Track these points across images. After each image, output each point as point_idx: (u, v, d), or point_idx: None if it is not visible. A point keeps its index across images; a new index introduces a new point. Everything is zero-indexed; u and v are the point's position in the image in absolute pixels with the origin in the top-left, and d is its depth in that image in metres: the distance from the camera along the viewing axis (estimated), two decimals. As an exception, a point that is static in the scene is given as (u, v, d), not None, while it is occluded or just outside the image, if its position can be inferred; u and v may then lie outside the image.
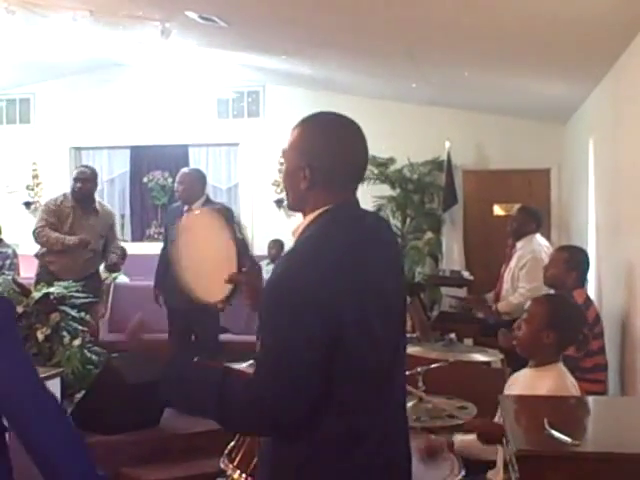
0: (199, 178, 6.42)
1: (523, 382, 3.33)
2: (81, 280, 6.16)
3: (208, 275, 2.39)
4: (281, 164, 10.03)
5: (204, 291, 2.42)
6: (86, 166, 7.01)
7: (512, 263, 6.28)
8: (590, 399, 3.44)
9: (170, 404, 2.13)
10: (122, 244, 7.45)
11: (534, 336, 3.29)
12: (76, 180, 6.68)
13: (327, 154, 2.09)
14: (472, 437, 3.29)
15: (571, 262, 5.00)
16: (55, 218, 6.59)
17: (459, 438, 3.46)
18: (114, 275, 8.39)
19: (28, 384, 1.99)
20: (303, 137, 2.13)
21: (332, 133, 2.13)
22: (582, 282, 5.09)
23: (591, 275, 6.87)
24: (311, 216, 2.11)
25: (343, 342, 1.95)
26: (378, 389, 2.07)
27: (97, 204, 6.79)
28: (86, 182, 6.65)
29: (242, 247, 2.34)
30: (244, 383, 2.00)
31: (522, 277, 6.07)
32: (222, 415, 2.01)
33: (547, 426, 2.25)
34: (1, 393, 1.94)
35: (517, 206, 7.04)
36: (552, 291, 4.95)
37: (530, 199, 8.77)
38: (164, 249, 6.44)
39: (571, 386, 3.20)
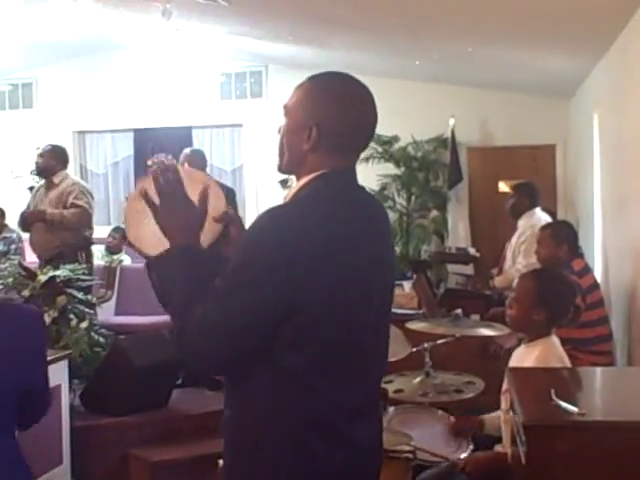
0: (201, 158, 6.63)
1: (516, 357, 3.35)
2: (56, 257, 6.15)
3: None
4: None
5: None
6: (50, 144, 6.99)
7: (513, 239, 6.28)
8: (596, 370, 3.44)
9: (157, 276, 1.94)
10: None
11: (524, 314, 3.28)
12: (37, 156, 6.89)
13: (337, 115, 1.96)
14: (497, 413, 3.33)
15: (557, 237, 5.00)
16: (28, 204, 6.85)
17: (487, 417, 3.49)
18: (116, 258, 8.41)
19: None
20: (312, 95, 2.00)
21: (344, 94, 1.99)
22: (576, 252, 5.09)
23: (597, 249, 6.88)
24: (305, 179, 1.97)
25: (304, 311, 1.82)
26: (345, 368, 1.92)
27: (58, 178, 6.71)
28: (40, 157, 6.77)
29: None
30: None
31: (521, 252, 6.07)
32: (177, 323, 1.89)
33: (554, 396, 2.26)
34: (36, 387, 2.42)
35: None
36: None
37: (535, 175, 8.73)
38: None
39: (556, 357, 3.17)
